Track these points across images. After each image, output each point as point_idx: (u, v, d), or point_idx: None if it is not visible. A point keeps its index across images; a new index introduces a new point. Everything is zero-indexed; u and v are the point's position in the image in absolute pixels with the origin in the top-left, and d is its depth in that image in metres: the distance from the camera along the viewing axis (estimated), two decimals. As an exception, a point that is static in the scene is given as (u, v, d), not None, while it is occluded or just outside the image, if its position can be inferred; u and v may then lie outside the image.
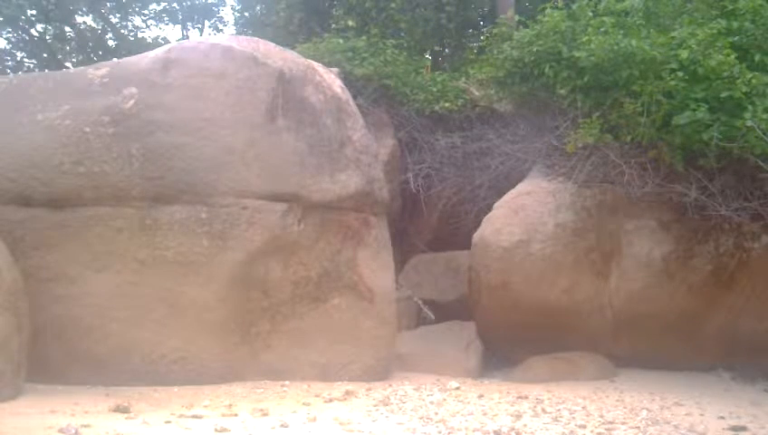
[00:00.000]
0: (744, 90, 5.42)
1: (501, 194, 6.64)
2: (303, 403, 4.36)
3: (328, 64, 6.78)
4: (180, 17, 18.26)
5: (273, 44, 5.68)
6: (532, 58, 6.66)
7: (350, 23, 10.19)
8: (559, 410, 4.42)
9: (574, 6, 6.89)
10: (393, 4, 10.61)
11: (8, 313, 4.12)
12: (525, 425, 3.93)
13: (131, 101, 4.93)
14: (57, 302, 4.70)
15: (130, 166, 4.81)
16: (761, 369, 5.88)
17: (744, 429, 4.07)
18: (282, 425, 3.74)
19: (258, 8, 14.45)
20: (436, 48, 11.90)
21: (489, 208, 6.56)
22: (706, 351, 6.08)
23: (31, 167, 4.76)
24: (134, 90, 4.98)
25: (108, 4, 16.64)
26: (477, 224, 6.54)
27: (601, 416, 4.27)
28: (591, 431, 3.88)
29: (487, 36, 8.17)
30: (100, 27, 17.25)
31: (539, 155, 6.70)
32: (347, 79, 7.24)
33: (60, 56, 16.69)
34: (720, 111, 5.53)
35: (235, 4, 18.69)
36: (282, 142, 5.15)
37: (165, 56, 5.19)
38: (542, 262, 6.07)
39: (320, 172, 5.25)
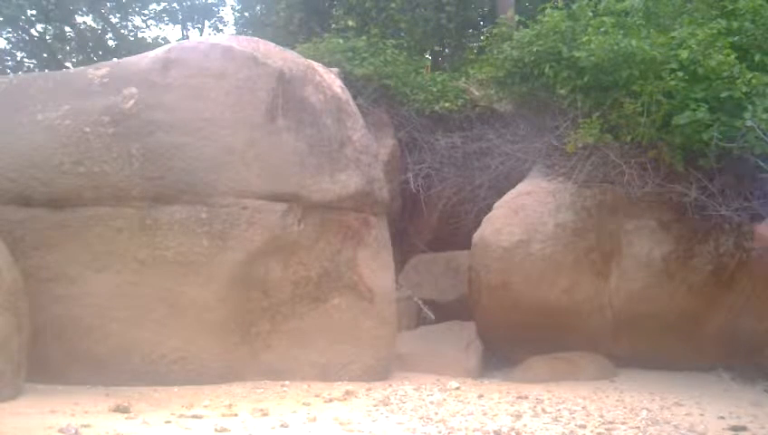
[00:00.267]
0: (744, 90, 5.42)
1: (501, 194, 6.65)
2: (303, 403, 4.36)
3: (328, 64, 6.78)
4: (180, 17, 18.26)
5: (273, 44, 5.68)
6: (532, 58, 6.66)
7: (350, 23, 10.19)
8: (559, 410, 4.42)
9: (574, 6, 6.89)
10: (393, 4, 10.60)
11: (8, 313, 4.12)
12: (525, 425, 3.93)
13: (131, 101, 4.93)
14: (57, 302, 4.69)
15: (130, 166, 4.81)
16: (761, 369, 5.88)
17: (743, 429, 4.06)
18: (282, 425, 3.74)
19: (258, 8, 14.45)
20: (436, 48, 11.91)
21: (489, 208, 6.56)
22: (706, 351, 6.08)
23: (31, 167, 4.76)
24: (134, 90, 4.98)
25: (108, 4, 16.64)
26: (477, 224, 6.54)
27: (601, 416, 4.27)
28: (591, 431, 3.88)
29: (487, 36, 8.18)
30: (100, 27, 17.25)
31: (539, 155, 6.70)
32: (347, 79, 7.24)
33: (60, 56, 16.69)
34: (720, 111, 5.53)
35: (235, 4, 18.68)
36: (282, 142, 5.15)
37: (165, 56, 5.19)
38: (542, 262, 6.08)
39: (320, 172, 5.25)
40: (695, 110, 5.50)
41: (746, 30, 6.01)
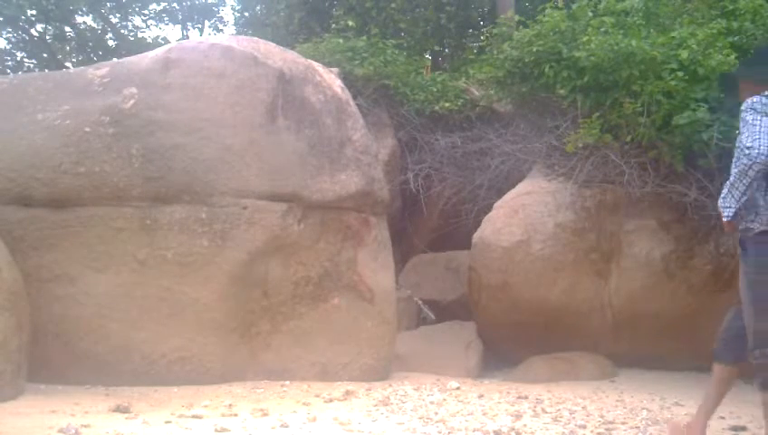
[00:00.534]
0: (743, 90, 5.42)
1: (501, 194, 6.65)
2: (303, 403, 4.36)
3: (328, 64, 6.78)
4: (180, 17, 18.28)
5: (273, 44, 5.68)
6: (532, 58, 6.66)
7: (350, 23, 10.20)
8: (559, 410, 4.42)
9: (574, 6, 6.89)
10: (393, 4, 10.62)
11: (8, 313, 4.12)
12: (525, 425, 3.92)
13: (131, 101, 4.93)
14: (57, 302, 4.70)
15: (130, 166, 4.81)
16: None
17: (743, 429, 4.07)
18: (282, 425, 3.74)
19: (258, 8, 14.46)
20: (436, 48, 11.92)
21: (489, 208, 6.56)
22: (707, 351, 6.06)
23: (31, 167, 4.76)
24: (134, 90, 4.98)
25: (108, 4, 16.66)
26: (477, 224, 6.55)
27: (601, 416, 4.26)
28: (591, 431, 3.88)
29: (487, 36, 8.18)
30: (100, 27, 17.26)
31: (539, 155, 6.70)
32: (347, 79, 7.24)
33: (60, 56, 16.71)
34: (720, 111, 5.53)
35: (235, 4, 18.71)
36: (282, 142, 5.15)
37: (165, 56, 5.19)
38: (542, 262, 6.08)
39: (320, 172, 5.25)
40: (695, 110, 5.50)
41: (746, 30, 6.02)
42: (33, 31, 16.10)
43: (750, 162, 2.98)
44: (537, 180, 6.49)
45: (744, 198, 3.07)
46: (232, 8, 22.00)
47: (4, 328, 4.06)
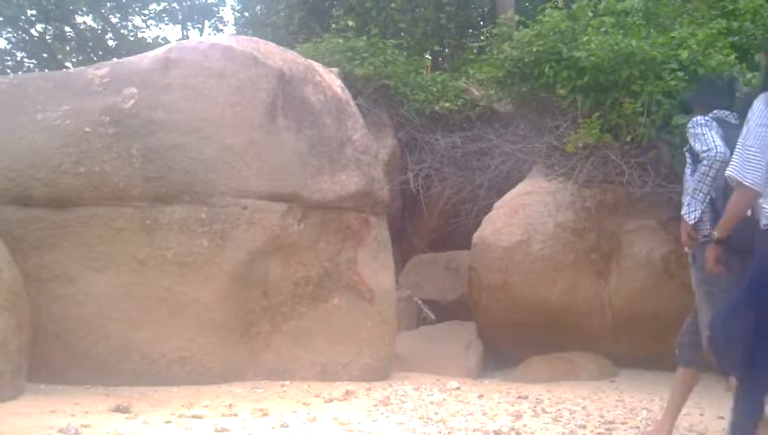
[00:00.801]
0: (744, 90, 5.42)
1: (501, 194, 6.65)
2: (303, 403, 4.36)
3: (328, 64, 6.78)
4: (180, 17, 18.29)
5: (273, 44, 5.68)
6: (532, 58, 6.66)
7: (350, 23, 10.21)
8: (559, 410, 4.42)
9: (574, 6, 6.89)
10: (393, 4, 10.62)
11: (8, 313, 4.12)
12: (525, 425, 3.92)
13: (131, 101, 4.93)
14: (57, 302, 4.69)
15: (130, 166, 4.81)
16: (761, 369, 5.87)
17: (743, 429, 4.06)
18: (282, 425, 3.74)
19: (258, 8, 14.47)
20: (436, 48, 11.92)
21: (489, 208, 6.56)
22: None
23: (31, 167, 4.76)
24: (134, 90, 4.98)
25: (108, 4, 16.67)
26: (477, 224, 6.55)
27: (601, 416, 4.27)
28: (591, 431, 3.88)
29: (487, 36, 8.18)
30: (100, 27, 17.27)
31: (539, 155, 6.70)
32: (347, 79, 7.24)
33: (60, 56, 16.71)
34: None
35: (235, 4, 18.72)
36: (282, 142, 5.15)
37: (165, 56, 5.19)
38: (542, 262, 6.08)
39: (320, 172, 5.25)
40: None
41: (746, 30, 6.02)
42: (33, 31, 16.10)
43: (710, 162, 3.31)
44: (537, 180, 6.49)
45: (708, 197, 3.37)
46: (232, 8, 22.00)
47: (4, 328, 4.06)
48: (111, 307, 4.70)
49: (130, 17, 17.59)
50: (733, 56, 5.62)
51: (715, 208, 3.38)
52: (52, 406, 3.91)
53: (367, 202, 5.54)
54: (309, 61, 5.86)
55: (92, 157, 4.78)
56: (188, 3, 17.97)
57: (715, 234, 3.11)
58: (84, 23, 16.93)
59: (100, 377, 4.63)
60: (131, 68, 5.16)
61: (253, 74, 5.18)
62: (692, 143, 3.47)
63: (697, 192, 3.39)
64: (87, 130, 4.83)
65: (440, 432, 3.70)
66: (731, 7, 6.26)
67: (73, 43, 16.96)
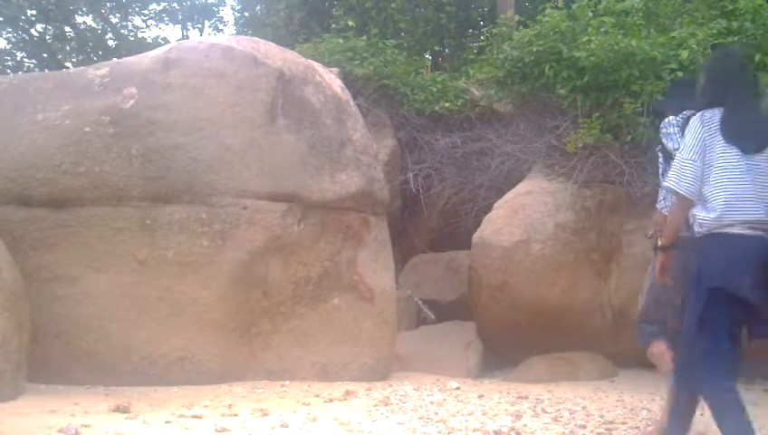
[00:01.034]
0: (744, 90, 5.41)
1: (501, 194, 6.65)
2: (303, 403, 4.36)
3: (328, 64, 6.78)
4: (180, 17, 18.30)
5: (273, 44, 5.68)
6: (532, 58, 6.66)
7: (350, 23, 10.21)
8: (559, 410, 4.42)
9: (574, 6, 6.89)
10: (393, 4, 10.62)
11: (8, 312, 4.12)
12: (525, 425, 3.93)
13: (131, 101, 4.93)
14: (57, 302, 4.70)
15: (130, 166, 4.81)
16: (760, 369, 5.87)
17: (743, 429, 4.05)
18: (282, 425, 3.74)
19: (258, 8, 14.47)
20: (436, 48, 11.92)
21: (489, 208, 6.56)
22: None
23: (31, 167, 4.76)
24: (134, 90, 4.98)
25: (108, 4, 16.68)
26: (477, 224, 6.54)
27: (601, 416, 4.27)
28: (591, 431, 3.88)
29: (487, 36, 8.17)
30: (100, 27, 17.28)
31: (539, 155, 6.70)
32: (347, 79, 7.24)
33: (60, 56, 16.72)
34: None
35: (235, 4, 18.73)
36: (282, 142, 5.15)
37: (165, 56, 5.19)
38: (542, 262, 6.08)
39: (320, 172, 5.25)
40: (695, 110, 5.49)
41: (746, 30, 6.01)
42: (33, 31, 16.11)
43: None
44: (537, 180, 6.48)
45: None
46: (232, 8, 22.00)
47: (4, 328, 4.06)
48: (111, 307, 4.70)
49: (130, 17, 17.60)
50: (733, 56, 5.60)
51: None
52: (52, 406, 3.90)
53: (367, 202, 5.54)
54: (309, 61, 5.86)
55: (92, 157, 4.78)
56: (188, 3, 17.98)
57: (659, 242, 3.29)
58: (84, 23, 16.94)
59: (100, 377, 4.63)
60: (131, 68, 5.16)
61: (253, 74, 5.18)
62: (665, 142, 3.63)
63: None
64: (87, 130, 4.83)
65: (440, 432, 3.70)
66: (731, 7, 6.26)
67: (73, 43, 16.96)
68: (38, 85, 5.11)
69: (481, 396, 4.82)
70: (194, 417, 3.83)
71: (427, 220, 8.17)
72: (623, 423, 4.10)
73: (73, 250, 4.73)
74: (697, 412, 4.51)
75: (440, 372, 5.79)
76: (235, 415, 3.94)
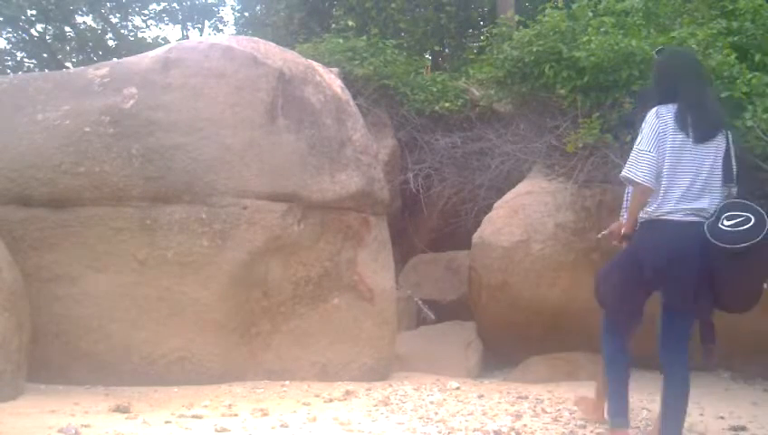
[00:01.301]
0: (744, 90, 5.41)
1: (501, 194, 6.64)
2: (303, 403, 4.36)
3: (328, 64, 6.78)
4: (180, 17, 18.31)
5: (273, 44, 5.68)
6: (532, 58, 6.65)
7: (350, 23, 10.21)
8: (559, 410, 4.42)
9: (574, 6, 6.89)
10: (393, 4, 10.62)
11: (8, 313, 4.12)
12: (525, 425, 3.93)
13: (131, 101, 4.93)
14: (57, 302, 4.70)
15: (130, 166, 4.81)
16: (761, 369, 5.88)
17: (743, 429, 4.07)
18: (282, 425, 3.75)
19: (258, 8, 14.48)
20: (436, 48, 11.92)
21: (489, 208, 6.56)
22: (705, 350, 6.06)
23: (31, 167, 4.76)
24: (134, 90, 4.98)
25: (108, 4, 16.69)
26: (477, 224, 6.54)
27: (601, 416, 4.26)
28: (591, 431, 3.89)
29: (487, 36, 8.17)
30: (100, 27, 17.29)
31: (539, 155, 6.70)
32: (347, 79, 7.24)
33: (60, 56, 16.73)
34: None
35: (235, 4, 18.74)
36: (282, 142, 5.15)
37: (165, 56, 5.19)
38: (542, 262, 6.07)
39: (320, 172, 5.25)
40: (695, 110, 5.49)
41: (746, 30, 6.01)
42: (33, 31, 16.11)
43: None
44: (537, 180, 6.48)
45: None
46: (232, 8, 22.01)
47: (4, 328, 4.06)
48: (111, 307, 4.71)
49: (130, 17, 17.60)
50: (733, 56, 5.61)
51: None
52: (52, 406, 3.91)
53: (367, 202, 5.54)
54: (309, 61, 5.86)
55: (92, 157, 4.78)
56: (188, 3, 17.98)
57: (623, 230, 3.53)
58: (84, 23, 16.94)
59: (100, 377, 4.64)
60: (131, 68, 5.16)
61: (253, 74, 5.18)
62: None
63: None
64: (87, 130, 4.83)
65: (440, 432, 3.70)
66: (731, 7, 6.24)
67: (73, 43, 16.96)
68: (38, 85, 5.11)
69: (481, 396, 4.82)
70: (194, 417, 3.83)
71: (427, 220, 8.17)
72: (623, 423, 4.09)
73: (73, 250, 4.73)
74: (697, 413, 4.52)
75: (440, 372, 5.79)
76: (235, 415, 3.94)
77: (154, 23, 18.29)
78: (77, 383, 4.58)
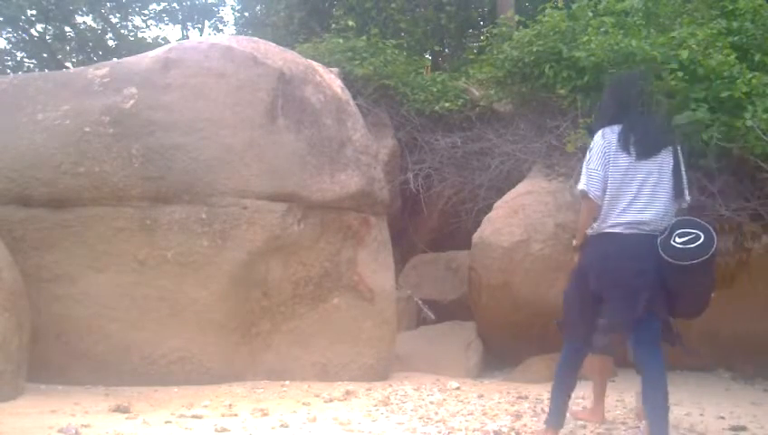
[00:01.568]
0: (744, 90, 5.42)
1: (501, 194, 6.64)
2: (303, 403, 4.36)
3: (328, 64, 6.78)
4: (180, 17, 18.31)
5: (273, 44, 5.68)
6: (532, 58, 6.66)
7: (350, 23, 10.20)
8: (559, 410, 4.41)
9: (574, 6, 6.89)
10: (393, 5, 10.61)
11: (8, 313, 4.12)
12: (525, 425, 3.93)
13: (131, 101, 4.93)
14: (57, 302, 4.70)
15: (130, 166, 4.81)
16: (761, 369, 5.88)
17: (743, 429, 4.06)
18: (282, 425, 3.75)
19: (258, 8, 14.48)
20: (436, 48, 11.91)
21: (489, 208, 6.56)
22: (706, 351, 6.07)
23: (31, 167, 4.76)
24: (134, 90, 4.98)
25: (108, 4, 16.69)
26: (477, 224, 6.54)
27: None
28: (591, 431, 3.89)
29: (487, 36, 8.17)
30: (100, 27, 17.29)
31: (539, 155, 6.70)
32: (347, 79, 7.24)
33: (60, 56, 16.72)
34: (720, 111, 5.53)
35: (235, 4, 18.72)
36: (282, 142, 5.15)
37: (165, 56, 5.19)
38: (542, 262, 6.07)
39: (320, 172, 5.25)
40: (695, 110, 5.50)
41: (746, 30, 6.01)
42: (33, 31, 16.11)
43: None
44: (537, 180, 6.48)
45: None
46: (232, 8, 22.00)
47: (4, 328, 4.06)
48: (111, 307, 4.71)
49: (130, 17, 17.61)
50: (733, 56, 5.61)
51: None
52: (52, 406, 3.91)
53: (367, 202, 5.54)
54: (309, 61, 5.86)
55: (92, 157, 4.79)
56: (188, 3, 17.99)
57: (574, 242, 3.72)
58: (84, 23, 16.94)
59: (100, 377, 4.64)
60: (131, 68, 5.16)
61: (253, 74, 5.18)
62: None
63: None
64: (87, 130, 4.83)
65: (440, 432, 3.70)
66: (731, 7, 6.25)
67: (73, 43, 16.96)
68: (38, 85, 5.11)
69: (481, 396, 4.82)
70: (194, 417, 3.83)
71: (427, 220, 8.17)
72: (623, 423, 4.10)
73: (73, 250, 4.73)
74: (697, 413, 4.53)
75: (440, 372, 5.79)
76: (235, 415, 3.94)
77: (154, 23, 18.30)
78: (77, 383, 4.58)
